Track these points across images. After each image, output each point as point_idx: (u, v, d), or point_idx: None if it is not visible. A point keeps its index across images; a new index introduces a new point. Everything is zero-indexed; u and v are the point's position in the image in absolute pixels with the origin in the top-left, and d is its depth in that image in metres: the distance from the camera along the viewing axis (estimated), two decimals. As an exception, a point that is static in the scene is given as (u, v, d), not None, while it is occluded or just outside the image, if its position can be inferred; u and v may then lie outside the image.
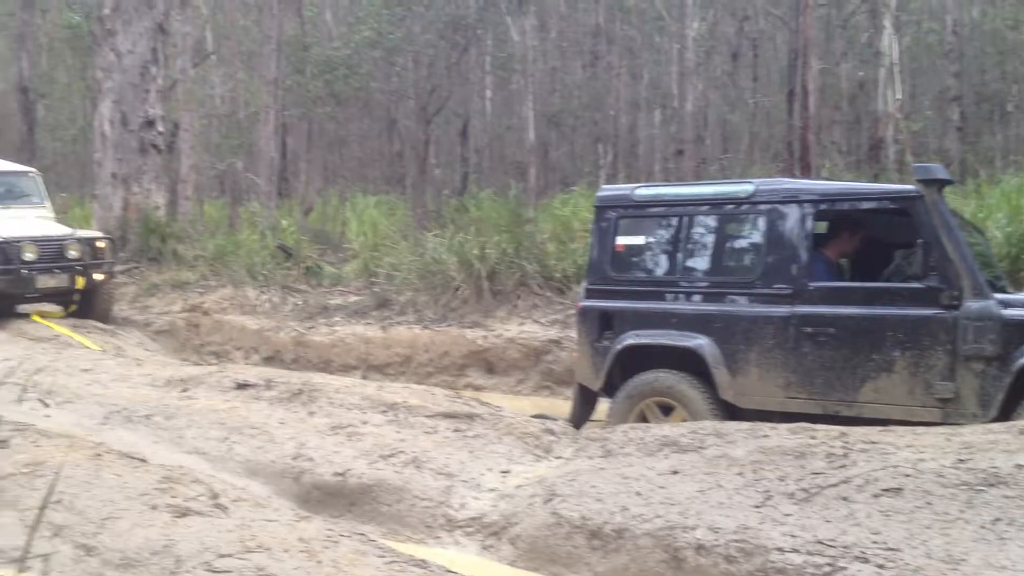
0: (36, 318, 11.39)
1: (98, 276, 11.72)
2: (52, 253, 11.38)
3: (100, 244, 11.93)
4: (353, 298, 11.78)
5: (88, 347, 10.21)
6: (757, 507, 4.57)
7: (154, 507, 4.95)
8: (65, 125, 29.25)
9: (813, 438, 5.20)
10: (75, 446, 5.88)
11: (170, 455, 6.30)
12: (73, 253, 11.50)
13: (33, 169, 13.49)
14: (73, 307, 11.86)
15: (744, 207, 6.76)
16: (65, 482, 5.12)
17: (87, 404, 7.36)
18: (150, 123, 15.27)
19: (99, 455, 5.71)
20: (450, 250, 11.20)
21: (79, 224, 14.71)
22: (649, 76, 26.37)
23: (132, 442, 6.55)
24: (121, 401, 7.36)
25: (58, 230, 11.95)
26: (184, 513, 4.87)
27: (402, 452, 5.96)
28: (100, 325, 11.52)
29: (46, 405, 7.29)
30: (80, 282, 11.52)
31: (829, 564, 4.07)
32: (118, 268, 13.69)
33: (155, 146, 15.39)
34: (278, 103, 19.30)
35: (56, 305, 12.05)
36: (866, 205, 6.55)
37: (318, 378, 7.81)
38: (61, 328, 10.94)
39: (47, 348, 9.53)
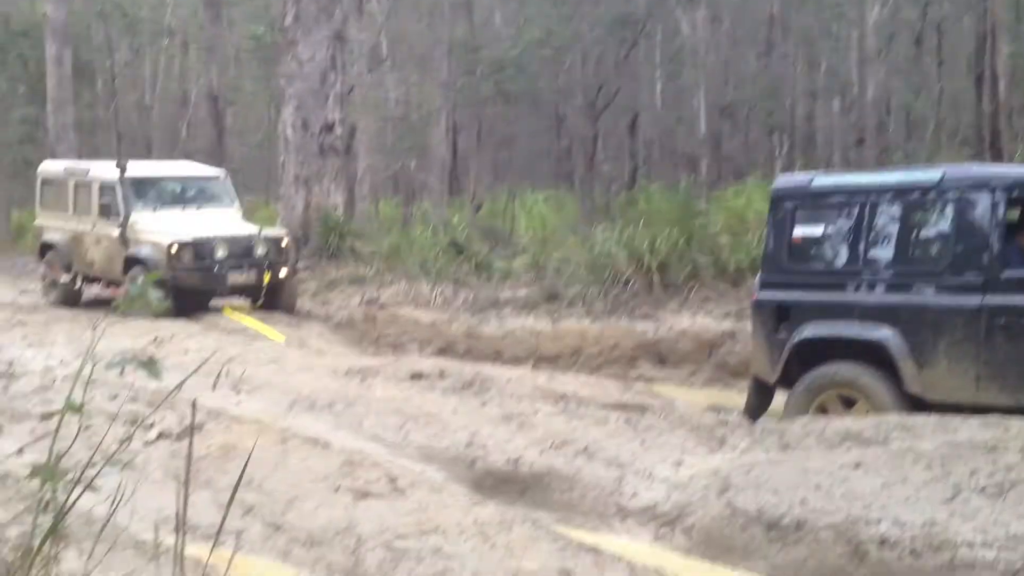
0: (227, 312, 11.99)
1: (283, 272, 12.22)
2: (241, 251, 11.93)
3: (284, 242, 12.43)
4: (522, 292, 11.88)
5: (274, 339, 10.67)
6: (945, 502, 4.38)
7: (337, 489, 5.14)
8: (251, 130, 30.75)
9: (1006, 431, 4.95)
10: (263, 431, 6.16)
11: (350, 441, 6.51)
12: (260, 251, 12.02)
13: (223, 172, 14.20)
14: (260, 301, 12.40)
15: (931, 195, 6.47)
16: (255, 464, 5.35)
17: (273, 392, 7.69)
18: (329, 127, 15.82)
19: (285, 440, 5.96)
20: (619, 243, 11.15)
21: (264, 224, 15.38)
22: (827, 64, 25.53)
23: (315, 428, 6.80)
24: (305, 390, 7.66)
25: (246, 229, 12.50)
26: (365, 495, 5.04)
27: (573, 442, 5.98)
28: (285, 318, 12.01)
29: (237, 393, 7.67)
30: (266, 278, 12.05)
31: (1023, 560, 3.85)
32: (300, 264, 14.25)
33: (334, 149, 15.95)
34: (449, 104, 19.71)
35: (244, 299, 12.64)
36: (1065, 191, 6.16)
37: (489, 369, 7.93)
38: (249, 321, 11.47)
39: (237, 340, 10.00)
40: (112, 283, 12.33)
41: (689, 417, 6.29)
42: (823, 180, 7.11)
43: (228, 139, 25.96)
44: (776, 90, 23.54)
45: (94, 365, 3.04)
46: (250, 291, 12.30)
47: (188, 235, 11.63)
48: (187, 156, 25.15)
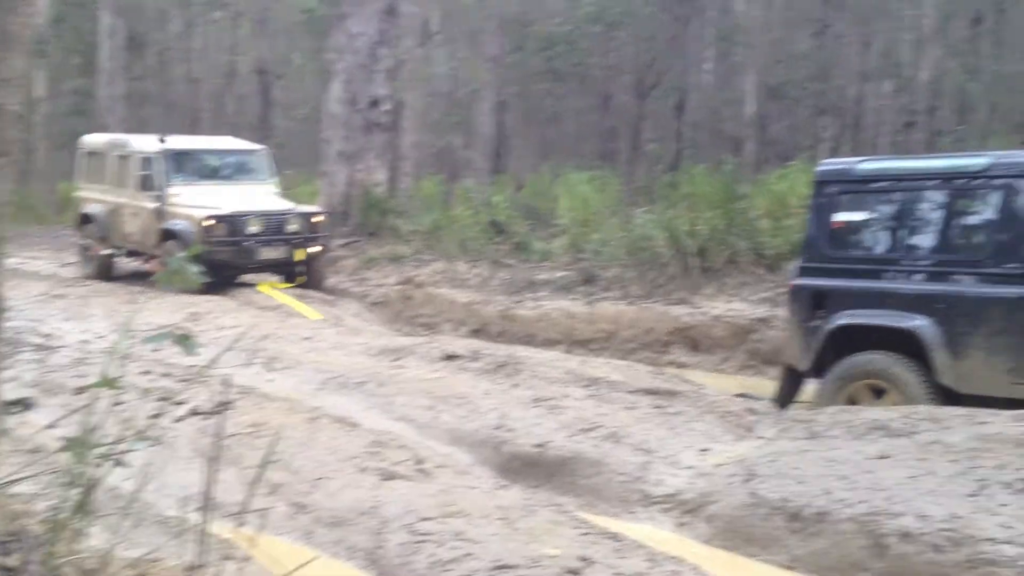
0: (263, 288, 12.09)
1: (314, 249, 12.31)
2: (274, 227, 12.01)
3: (317, 219, 12.50)
4: (560, 273, 11.85)
5: (309, 317, 10.75)
6: (970, 496, 4.33)
7: (363, 470, 5.18)
8: (298, 105, 30.81)
9: (1038, 427, 4.86)
10: (293, 410, 6.23)
11: (380, 421, 6.56)
12: (293, 227, 12.11)
13: (262, 147, 14.26)
14: (301, 279, 12.48)
15: (977, 182, 6.36)
16: (283, 443, 5.41)
17: (306, 370, 7.75)
18: (376, 103, 15.82)
19: (315, 419, 6.02)
20: (659, 226, 11.08)
21: (307, 199, 15.46)
22: (881, 44, 25.05)
23: (345, 407, 6.85)
24: (337, 368, 7.71)
25: (280, 205, 12.59)
26: (391, 477, 5.07)
27: (601, 426, 5.98)
28: (321, 296, 12.07)
29: (270, 370, 7.74)
30: (299, 254, 12.13)
31: (1046, 558, 3.79)
32: (341, 242, 14.31)
33: (380, 124, 15.95)
34: (497, 80, 19.62)
35: (275, 276, 12.70)
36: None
37: (522, 351, 7.92)
38: (285, 298, 11.56)
39: (272, 317, 10.09)
40: (151, 257, 12.49)
41: (718, 404, 6.26)
42: (868, 165, 7.04)
43: (274, 113, 26.10)
44: (827, 71, 23.17)
45: (130, 340, 3.09)
46: (281, 267, 12.41)
47: (222, 210, 11.75)
48: (234, 130, 25.38)
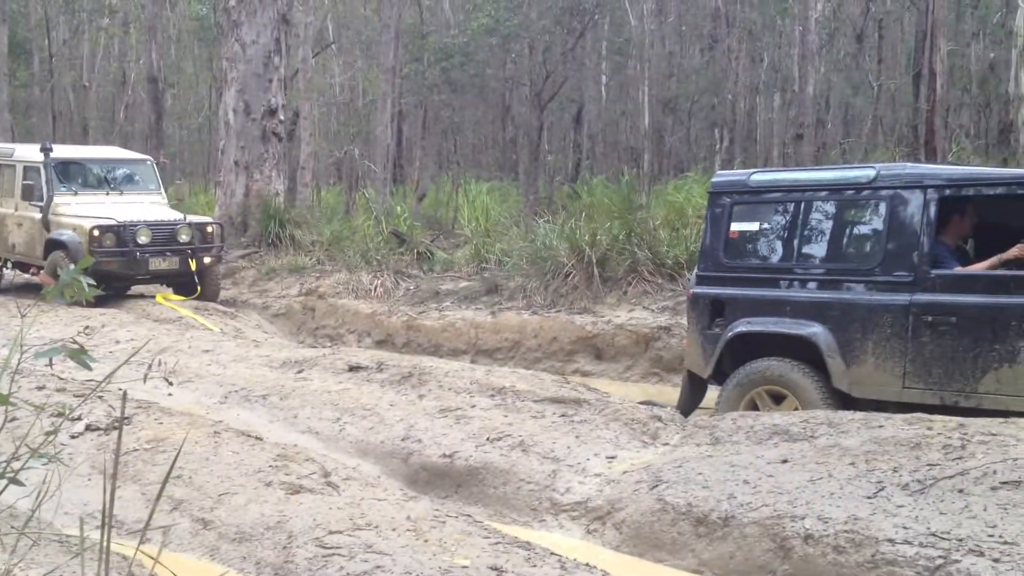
0: (160, 300, 11.83)
1: (207, 259, 12.13)
2: (164, 237, 11.82)
3: (209, 229, 12.35)
4: (464, 283, 11.88)
5: (209, 329, 10.54)
6: (869, 498, 4.46)
7: (268, 484, 5.09)
8: (191, 114, 30.26)
9: (929, 429, 5.05)
10: (195, 424, 6.09)
11: (285, 434, 6.47)
12: (184, 237, 11.92)
13: (149, 157, 14.00)
14: (199, 290, 12.26)
15: (865, 192, 6.56)
16: (185, 458, 5.30)
17: (207, 383, 7.61)
18: (272, 112, 15.63)
19: (218, 433, 5.89)
20: (561, 236, 11.19)
21: (201, 209, 15.19)
22: (769, 59, 25.79)
23: (249, 421, 6.75)
24: (239, 381, 7.58)
25: (170, 215, 12.41)
26: (297, 490, 5.00)
27: (509, 436, 6.00)
28: (220, 308, 11.89)
29: (169, 384, 7.56)
30: (191, 265, 11.92)
31: (942, 556, 3.94)
32: (239, 253, 14.09)
33: (276, 134, 15.76)
34: (395, 91, 19.55)
35: (168, 287, 12.47)
36: (994, 191, 6.27)
37: (428, 362, 7.90)
38: (184, 310, 11.33)
39: (171, 329, 9.86)
40: (39, 268, 12.15)
41: (623, 412, 6.33)
42: (760, 176, 7.20)
43: (167, 122, 25.53)
44: (719, 85, 23.73)
45: (21, 354, 2.98)
46: (172, 278, 12.22)
47: (110, 219, 11.51)
48: (124, 139, 24.77)
